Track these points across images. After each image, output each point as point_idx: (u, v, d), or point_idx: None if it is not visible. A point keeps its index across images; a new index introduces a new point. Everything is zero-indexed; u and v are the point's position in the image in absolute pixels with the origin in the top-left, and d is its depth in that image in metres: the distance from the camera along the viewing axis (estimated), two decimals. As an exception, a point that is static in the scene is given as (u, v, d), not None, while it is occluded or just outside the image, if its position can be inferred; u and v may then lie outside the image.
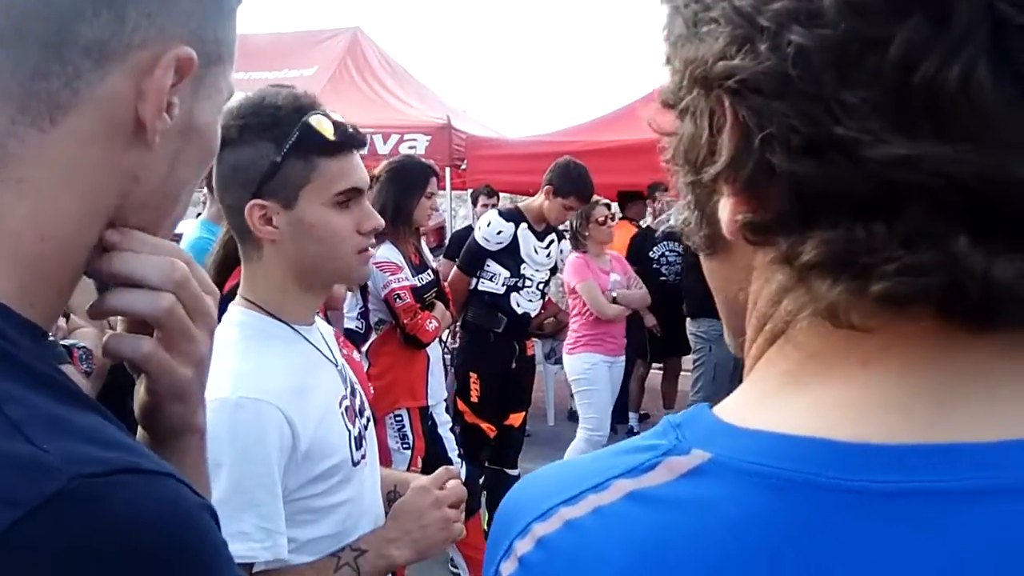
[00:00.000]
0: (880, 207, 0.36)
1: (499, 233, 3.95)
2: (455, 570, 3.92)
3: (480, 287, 4.00)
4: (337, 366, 1.39)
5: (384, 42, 8.33)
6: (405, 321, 3.35)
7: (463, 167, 6.53)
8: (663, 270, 6.05)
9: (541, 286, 4.11)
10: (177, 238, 4.38)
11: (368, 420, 1.44)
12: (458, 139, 6.47)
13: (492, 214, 4.07)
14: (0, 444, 0.42)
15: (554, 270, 4.32)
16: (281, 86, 1.35)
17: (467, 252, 4.07)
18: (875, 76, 0.35)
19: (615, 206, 5.91)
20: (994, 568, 0.34)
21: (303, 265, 1.31)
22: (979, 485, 0.35)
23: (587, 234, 4.70)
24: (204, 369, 0.67)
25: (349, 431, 1.33)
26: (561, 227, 4.33)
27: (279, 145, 1.25)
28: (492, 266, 3.99)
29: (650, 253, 6.09)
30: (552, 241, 4.15)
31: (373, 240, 1.33)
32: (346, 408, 1.36)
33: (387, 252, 3.43)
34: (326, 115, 1.27)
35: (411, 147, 6.14)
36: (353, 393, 1.40)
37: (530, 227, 4.04)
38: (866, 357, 0.39)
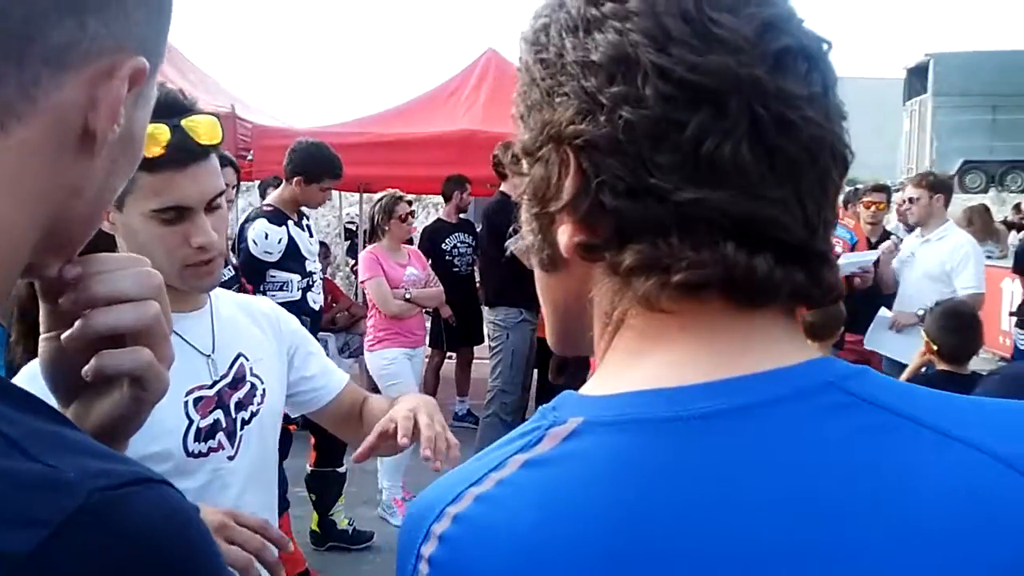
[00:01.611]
0: (676, 229, 0.51)
1: (279, 241, 3.87)
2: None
3: (272, 300, 3.86)
4: (209, 357, 1.39)
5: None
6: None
7: (249, 158, 6.29)
8: (455, 261, 6.19)
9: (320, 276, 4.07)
10: None
11: (252, 417, 1.43)
12: (243, 128, 6.23)
13: (263, 224, 3.91)
14: (5, 463, 0.42)
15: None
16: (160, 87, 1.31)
17: (249, 270, 3.89)
18: (677, 146, 0.51)
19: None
20: (786, 450, 0.49)
21: None
22: (766, 398, 0.51)
23: (387, 229, 4.71)
24: None
25: (191, 421, 1.32)
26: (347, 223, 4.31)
27: None
28: (278, 275, 3.90)
29: (443, 244, 6.20)
30: (309, 226, 4.11)
31: (210, 255, 1.32)
32: (197, 399, 1.35)
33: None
34: (178, 126, 1.24)
35: (192, 136, 5.84)
36: (233, 386, 1.40)
37: (296, 223, 3.99)
38: (681, 328, 0.54)
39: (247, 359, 1.46)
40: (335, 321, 6.55)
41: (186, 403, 1.34)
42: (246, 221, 4.04)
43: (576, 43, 0.54)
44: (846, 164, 0.55)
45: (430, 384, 6.43)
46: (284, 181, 4.02)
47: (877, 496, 0.48)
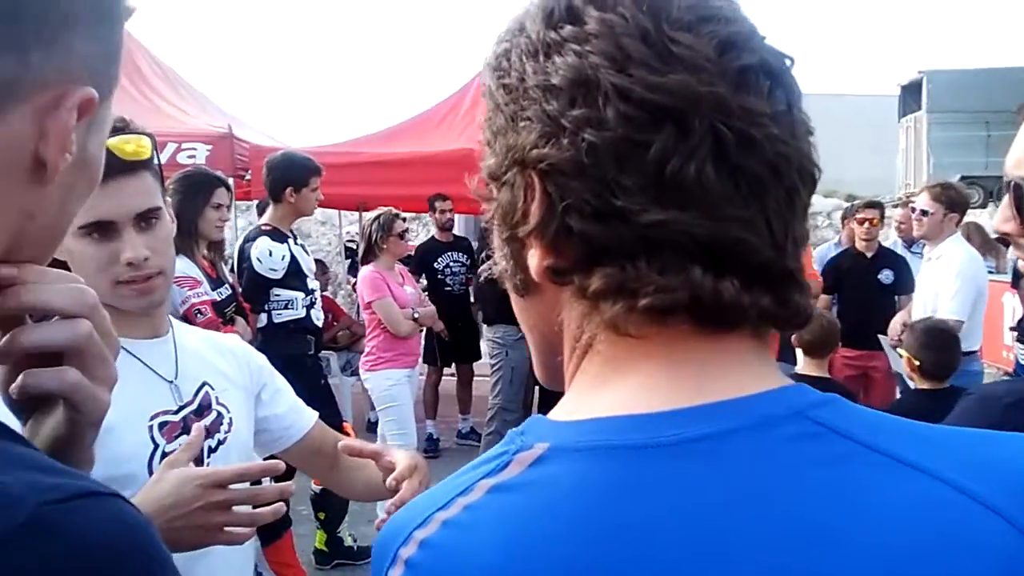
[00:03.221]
0: (643, 252, 0.51)
1: (282, 258, 3.87)
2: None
3: (277, 319, 3.88)
4: (172, 383, 1.38)
5: (153, 45, 7.82)
6: (206, 337, 3.22)
7: (247, 178, 6.30)
8: (448, 280, 6.19)
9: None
10: None
11: (218, 445, 1.42)
12: (241, 148, 6.24)
13: (265, 242, 3.92)
14: None
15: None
16: None
17: (252, 289, 3.90)
18: (641, 167, 0.50)
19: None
20: (747, 480, 0.49)
21: None
22: (731, 426, 0.50)
23: (384, 247, 4.71)
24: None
25: (156, 446, 1.32)
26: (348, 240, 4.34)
27: None
28: (282, 293, 3.89)
29: (435, 264, 6.21)
30: (302, 245, 4.15)
31: (146, 271, 1.30)
32: (162, 423, 1.34)
33: (183, 266, 3.27)
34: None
35: (190, 157, 5.83)
36: (199, 413, 1.40)
37: (294, 240, 4.01)
38: (647, 355, 0.53)
39: (212, 388, 1.45)
40: (336, 340, 6.56)
41: (151, 427, 1.33)
42: (246, 241, 4.05)
43: (536, 67, 0.53)
44: (814, 180, 0.55)
45: (430, 401, 6.42)
46: (272, 202, 4.01)
47: (838, 525, 0.47)
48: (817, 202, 11.73)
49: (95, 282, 1.25)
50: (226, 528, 1.22)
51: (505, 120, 0.56)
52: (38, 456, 0.49)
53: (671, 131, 0.50)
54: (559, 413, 0.56)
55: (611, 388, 0.54)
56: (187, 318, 3.21)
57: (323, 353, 4.96)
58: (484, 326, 5.46)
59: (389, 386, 4.65)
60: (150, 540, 0.48)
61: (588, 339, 0.56)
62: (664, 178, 0.50)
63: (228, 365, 1.53)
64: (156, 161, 1.33)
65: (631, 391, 0.53)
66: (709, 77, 0.50)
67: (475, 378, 6.58)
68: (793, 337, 3.50)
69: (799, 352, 3.56)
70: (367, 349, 4.82)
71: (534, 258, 0.55)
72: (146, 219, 1.31)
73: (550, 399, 0.59)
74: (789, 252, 0.53)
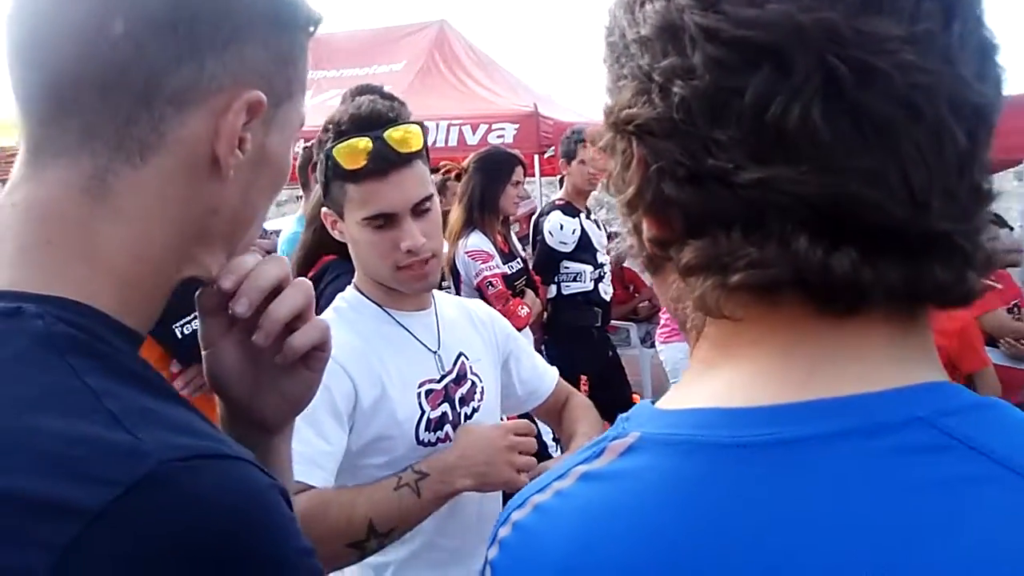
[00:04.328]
0: (741, 220, 0.44)
1: (573, 232, 3.93)
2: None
3: (566, 291, 3.96)
4: (435, 353, 1.48)
5: (470, 32, 8.36)
6: (498, 308, 3.37)
7: (549, 153, 6.52)
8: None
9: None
10: (276, 233, 4.57)
11: (473, 412, 1.51)
12: (545, 126, 6.45)
13: (557, 216, 4.00)
14: (103, 433, 0.48)
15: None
16: (371, 90, 1.43)
17: (544, 261, 4.01)
18: (737, 117, 0.43)
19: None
20: (838, 498, 0.41)
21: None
22: (827, 431, 0.43)
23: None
24: None
25: (423, 412, 1.42)
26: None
27: (324, 165, 1.39)
28: (571, 266, 3.95)
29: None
30: (597, 220, 4.13)
31: (423, 256, 1.40)
32: (428, 391, 1.44)
33: (477, 241, 3.47)
34: (379, 137, 1.33)
35: (499, 136, 6.16)
36: (457, 382, 1.49)
37: (586, 215, 4.02)
38: (755, 341, 0.47)
39: (467, 358, 1.54)
40: (637, 311, 6.58)
41: (419, 394, 1.43)
42: (540, 215, 4.19)
43: (630, 20, 0.49)
44: (979, 114, 0.43)
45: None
46: (565, 176, 4.09)
47: (942, 567, 0.39)
48: None
49: (377, 267, 1.42)
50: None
51: (612, 82, 0.52)
52: (185, 419, 0.53)
53: (769, 71, 0.42)
54: (665, 400, 0.52)
55: (715, 376, 0.50)
56: (479, 290, 3.40)
57: (623, 324, 4.99)
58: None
59: (681, 358, 4.58)
60: (270, 503, 0.51)
61: (700, 322, 0.51)
62: (764, 128, 0.43)
63: (480, 335, 1.61)
64: (426, 148, 1.42)
65: (734, 380, 0.48)
66: (816, 1, 0.42)
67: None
68: None
69: None
70: (661, 321, 4.79)
71: (645, 231, 0.51)
72: (421, 207, 1.40)
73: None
74: (936, 210, 0.43)
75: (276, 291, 0.68)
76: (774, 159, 0.43)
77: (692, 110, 0.45)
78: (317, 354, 0.72)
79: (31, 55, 0.57)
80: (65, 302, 0.55)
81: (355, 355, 1.37)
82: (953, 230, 0.44)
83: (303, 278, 0.69)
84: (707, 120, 0.44)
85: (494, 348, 1.63)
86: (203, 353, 0.71)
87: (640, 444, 0.48)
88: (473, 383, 1.53)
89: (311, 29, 0.66)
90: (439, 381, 1.47)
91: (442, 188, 4.03)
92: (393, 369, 1.41)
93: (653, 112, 0.46)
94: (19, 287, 0.54)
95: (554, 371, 1.76)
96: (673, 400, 0.51)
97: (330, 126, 1.39)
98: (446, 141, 6.18)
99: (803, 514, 0.42)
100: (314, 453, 1.27)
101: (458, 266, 3.59)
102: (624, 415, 0.52)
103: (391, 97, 1.42)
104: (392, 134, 1.34)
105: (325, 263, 2.34)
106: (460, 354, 1.53)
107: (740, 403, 0.46)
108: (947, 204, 0.43)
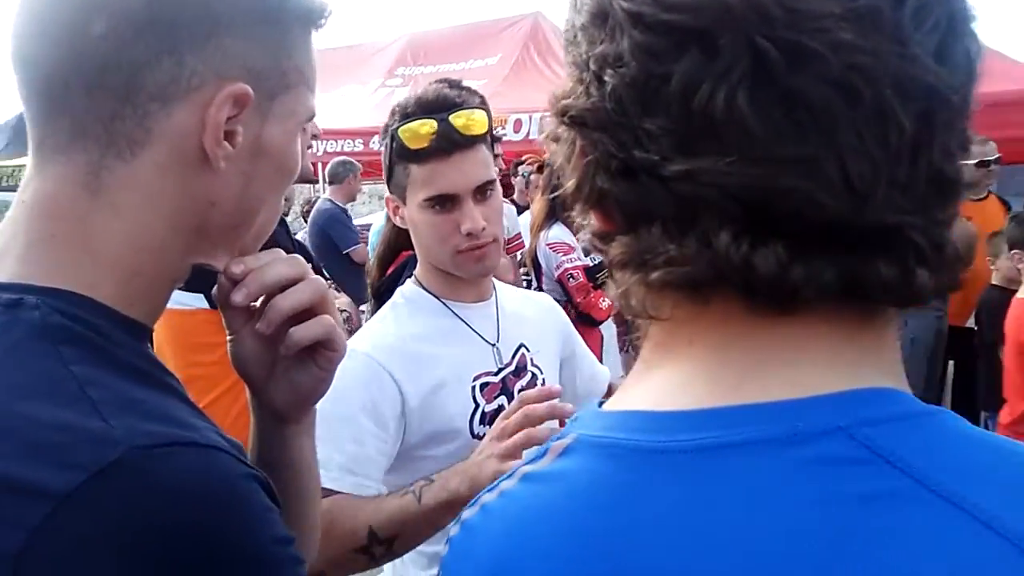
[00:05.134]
0: (674, 215, 0.43)
1: None
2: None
3: None
4: (494, 346, 1.48)
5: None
6: (578, 300, 3.41)
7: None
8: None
9: None
10: (365, 228, 4.69)
11: None
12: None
13: None
14: (80, 420, 0.50)
15: None
16: (446, 82, 1.44)
17: None
18: (666, 106, 0.41)
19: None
20: (744, 510, 0.40)
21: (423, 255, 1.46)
22: (744, 439, 0.41)
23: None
24: None
25: (477, 405, 1.41)
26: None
27: (388, 148, 1.40)
28: None
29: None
30: None
31: (483, 240, 1.38)
32: (483, 384, 1.43)
33: (559, 233, 3.51)
34: (444, 120, 1.34)
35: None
36: (517, 374, 1.48)
37: None
38: (690, 340, 0.46)
39: (528, 350, 1.51)
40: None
41: (473, 388, 1.42)
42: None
43: (573, 6, 0.48)
44: (924, 93, 0.40)
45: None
46: None
47: None
48: None
49: (436, 251, 1.41)
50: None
51: (567, 76, 0.50)
52: (178, 409, 0.56)
53: (695, 56, 0.40)
54: (610, 400, 0.51)
55: (652, 376, 0.48)
56: (561, 282, 3.44)
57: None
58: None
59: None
60: (240, 491, 0.52)
61: (642, 323, 0.50)
62: (692, 117, 0.40)
63: (542, 327, 1.59)
64: (491, 133, 1.42)
65: (669, 381, 0.47)
66: None
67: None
68: None
69: None
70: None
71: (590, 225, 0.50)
72: (483, 191, 1.39)
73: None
74: (882, 201, 0.40)
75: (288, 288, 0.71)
76: (703, 150, 0.41)
77: (623, 99, 0.43)
78: (326, 352, 0.73)
79: (28, 55, 0.60)
80: (64, 294, 0.57)
81: (399, 355, 1.36)
82: (903, 223, 0.40)
83: (318, 277, 0.72)
84: (638, 110, 0.42)
85: (557, 340, 1.62)
86: (228, 338, 0.74)
87: (576, 445, 0.47)
88: (533, 375, 1.50)
89: (315, 21, 0.67)
90: (496, 374, 1.45)
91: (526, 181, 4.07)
92: (446, 363, 1.42)
93: (587, 102, 0.45)
94: (24, 280, 0.57)
95: (606, 371, 1.74)
96: (614, 401, 0.50)
97: (397, 110, 1.39)
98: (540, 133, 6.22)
99: (707, 525, 0.40)
100: (346, 460, 1.28)
101: (539, 258, 3.63)
102: (574, 415, 0.52)
103: (463, 87, 1.43)
104: (456, 117, 1.35)
105: (405, 258, 2.39)
106: (520, 345, 1.50)
107: (669, 406, 0.45)
108: (895, 195, 0.40)
